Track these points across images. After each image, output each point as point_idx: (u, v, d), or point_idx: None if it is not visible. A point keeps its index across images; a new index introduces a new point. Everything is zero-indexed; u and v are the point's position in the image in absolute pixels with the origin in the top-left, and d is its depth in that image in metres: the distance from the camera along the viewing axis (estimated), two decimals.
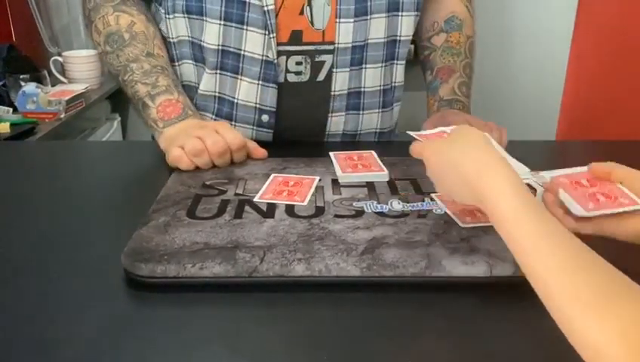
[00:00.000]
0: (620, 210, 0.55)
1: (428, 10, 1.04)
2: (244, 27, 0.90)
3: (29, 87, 1.67)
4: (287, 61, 0.93)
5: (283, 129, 0.97)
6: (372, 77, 0.97)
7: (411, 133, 0.69)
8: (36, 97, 1.65)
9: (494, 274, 0.56)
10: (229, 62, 0.93)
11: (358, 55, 0.94)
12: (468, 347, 0.50)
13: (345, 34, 0.92)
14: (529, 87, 2.00)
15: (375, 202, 0.69)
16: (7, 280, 0.59)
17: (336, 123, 0.98)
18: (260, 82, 0.93)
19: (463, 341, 0.51)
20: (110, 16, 0.93)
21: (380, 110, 1.01)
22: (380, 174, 0.77)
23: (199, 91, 0.96)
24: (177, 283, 0.56)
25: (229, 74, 0.94)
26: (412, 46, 1.04)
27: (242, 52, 0.91)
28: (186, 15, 0.92)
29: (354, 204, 0.69)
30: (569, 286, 0.41)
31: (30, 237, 0.67)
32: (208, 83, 0.95)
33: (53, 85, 1.86)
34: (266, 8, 0.88)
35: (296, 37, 0.92)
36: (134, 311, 0.56)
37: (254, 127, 0.97)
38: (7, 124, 1.56)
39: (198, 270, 0.56)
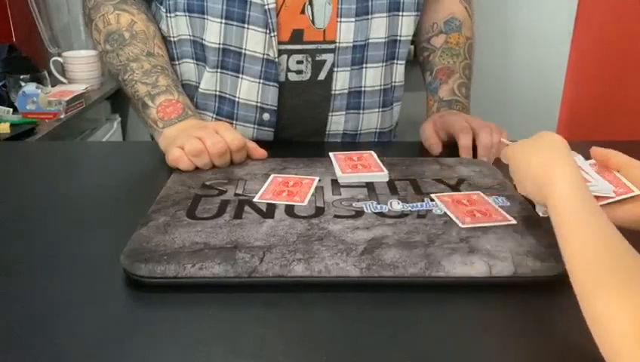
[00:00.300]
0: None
1: (427, 11, 1.04)
2: (245, 26, 0.90)
3: (29, 88, 1.67)
4: (288, 60, 0.93)
5: (284, 128, 0.97)
6: (372, 76, 0.97)
7: (504, 141, 0.74)
8: (36, 98, 1.66)
9: (494, 275, 0.56)
10: (230, 60, 0.93)
11: (359, 54, 0.94)
12: (468, 347, 0.50)
13: (346, 33, 0.92)
14: (529, 87, 2.00)
15: (375, 202, 0.69)
16: (7, 279, 0.59)
17: (337, 122, 0.98)
18: (261, 81, 0.93)
19: (462, 341, 0.51)
20: (110, 15, 0.93)
21: (380, 110, 1.01)
22: (380, 174, 0.77)
23: (200, 90, 0.96)
24: (177, 284, 0.56)
25: (229, 72, 0.94)
26: (412, 46, 1.04)
27: (243, 51, 0.91)
28: (187, 13, 0.92)
29: (353, 204, 0.69)
30: (597, 263, 0.45)
31: (30, 238, 0.67)
32: (209, 82, 0.95)
33: (53, 85, 1.87)
34: (267, 7, 0.88)
35: (297, 36, 0.92)
36: (134, 312, 0.56)
37: (255, 126, 0.97)
38: (7, 125, 1.56)
39: (198, 270, 0.56)
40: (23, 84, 1.70)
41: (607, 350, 0.40)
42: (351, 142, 1.01)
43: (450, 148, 0.91)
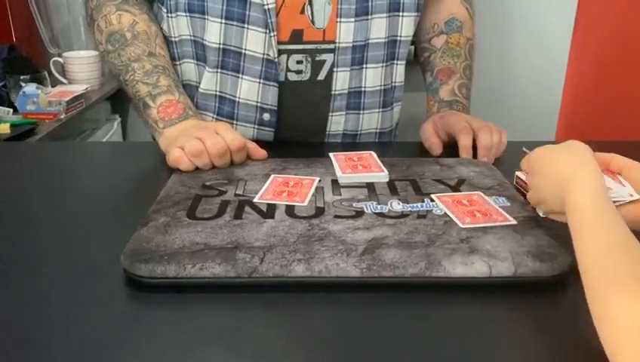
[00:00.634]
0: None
1: (428, 11, 1.04)
2: (245, 26, 0.90)
3: (29, 88, 1.67)
4: (287, 60, 0.93)
5: (284, 128, 0.97)
6: (372, 77, 0.97)
7: (525, 150, 0.73)
8: (36, 98, 1.65)
9: (494, 275, 0.56)
10: (230, 60, 0.93)
11: (359, 55, 0.94)
12: (468, 347, 0.50)
13: (346, 33, 0.92)
14: (529, 87, 2.00)
15: (375, 203, 0.69)
16: (7, 280, 0.59)
17: (337, 122, 0.98)
18: (261, 81, 0.93)
19: (462, 341, 0.51)
20: (112, 15, 0.93)
21: (380, 110, 1.01)
22: (380, 175, 0.77)
23: (200, 90, 0.96)
24: (177, 284, 0.56)
25: (229, 72, 0.94)
26: (412, 47, 1.04)
27: (243, 50, 0.91)
28: (187, 14, 0.92)
29: (354, 204, 0.69)
30: (610, 262, 0.46)
31: (30, 238, 0.67)
32: (209, 82, 0.95)
33: (53, 86, 1.86)
34: (266, 7, 0.88)
35: (296, 36, 0.92)
36: (134, 312, 0.56)
37: (255, 126, 0.97)
38: (8, 125, 1.55)
39: (198, 270, 0.56)
40: (23, 84, 1.69)
41: (612, 346, 0.41)
42: (351, 143, 1.01)
43: (450, 148, 0.91)
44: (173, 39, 0.96)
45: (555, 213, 0.60)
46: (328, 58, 0.93)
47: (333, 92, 0.95)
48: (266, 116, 0.95)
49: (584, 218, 0.51)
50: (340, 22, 0.91)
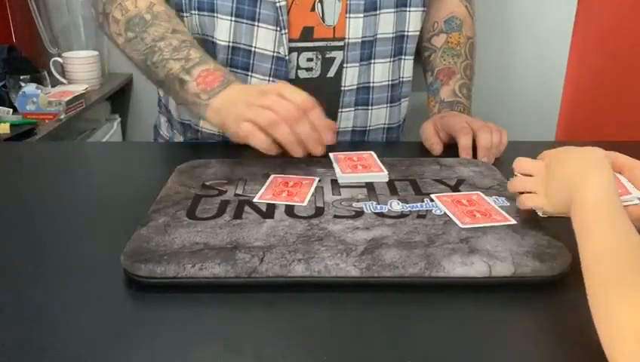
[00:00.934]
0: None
1: (429, 10, 1.04)
2: (255, 23, 0.90)
3: (29, 88, 1.67)
4: (298, 57, 0.93)
5: None
6: (380, 72, 0.98)
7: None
8: (36, 98, 1.65)
9: (493, 275, 0.56)
10: (240, 58, 0.92)
11: (367, 50, 0.95)
12: (468, 347, 0.50)
13: (354, 29, 0.93)
14: (529, 87, 2.00)
15: (374, 203, 0.69)
16: (7, 280, 0.59)
17: (346, 118, 0.99)
18: (271, 79, 0.93)
19: (462, 341, 0.51)
20: (127, 2, 0.89)
21: (388, 105, 1.02)
22: (380, 175, 0.77)
23: None
24: (177, 284, 0.56)
25: (239, 70, 0.93)
26: None
27: (253, 48, 0.91)
28: (197, 12, 0.92)
29: (353, 204, 0.69)
30: (614, 268, 0.45)
31: (30, 238, 0.67)
32: None
33: (53, 86, 1.86)
34: (278, 4, 0.88)
35: (307, 33, 0.92)
36: (134, 312, 0.56)
37: None
38: (7, 125, 1.55)
39: (198, 270, 0.56)
40: (22, 84, 1.69)
41: (611, 347, 0.41)
42: (351, 142, 1.01)
43: (450, 148, 0.91)
44: None
45: (550, 211, 0.60)
46: (338, 55, 0.94)
47: (342, 88, 0.96)
48: None
49: (590, 218, 0.51)
50: (349, 17, 0.92)
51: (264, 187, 0.73)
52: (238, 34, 0.91)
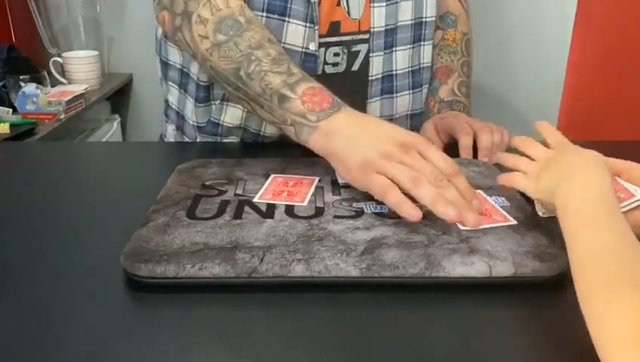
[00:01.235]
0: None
1: None
2: (286, 19, 0.89)
3: (29, 88, 1.67)
4: (325, 53, 0.93)
5: None
6: (402, 59, 0.99)
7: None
8: (36, 98, 1.65)
9: (494, 275, 0.56)
10: None
11: (390, 38, 0.96)
12: (468, 347, 0.50)
13: (379, 18, 0.94)
14: (529, 87, 2.00)
15: (374, 203, 0.69)
16: (6, 280, 0.59)
17: (374, 108, 0.99)
18: None
19: (462, 342, 0.51)
20: (218, 0, 0.80)
21: (411, 91, 1.02)
22: None
23: None
24: (177, 284, 0.56)
25: None
26: None
27: (282, 44, 0.90)
28: None
29: (353, 204, 0.68)
30: (604, 269, 0.45)
31: (29, 238, 0.67)
32: None
33: (52, 86, 1.86)
34: (312, 0, 0.88)
35: (334, 28, 0.92)
36: (133, 312, 0.56)
37: None
38: (7, 125, 1.56)
39: (198, 270, 0.56)
40: (22, 84, 1.69)
41: (605, 351, 0.40)
42: None
43: (451, 148, 0.91)
44: None
45: (533, 195, 0.61)
46: (362, 48, 0.95)
47: (370, 77, 0.96)
48: None
49: (573, 220, 0.51)
50: (373, 7, 0.93)
51: (264, 187, 0.73)
52: (268, 29, 0.90)
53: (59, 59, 1.97)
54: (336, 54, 0.94)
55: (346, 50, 0.94)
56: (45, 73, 1.83)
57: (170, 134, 1.08)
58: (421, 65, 1.03)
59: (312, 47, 0.91)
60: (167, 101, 1.06)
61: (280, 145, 0.96)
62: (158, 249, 0.58)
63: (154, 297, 0.56)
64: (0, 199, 0.79)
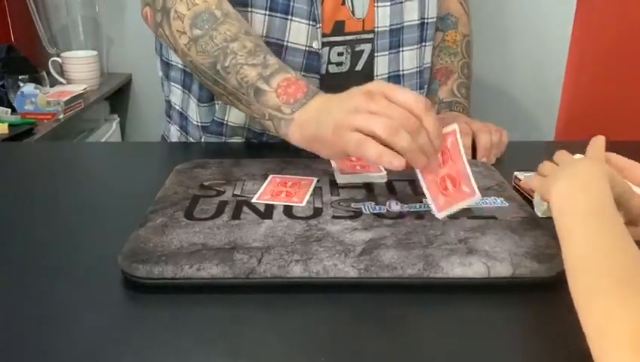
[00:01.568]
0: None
1: None
2: (289, 17, 0.89)
3: (28, 88, 1.67)
4: (329, 52, 0.93)
5: None
6: (409, 59, 0.99)
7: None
8: (35, 98, 1.65)
9: (492, 276, 0.56)
10: None
11: (396, 38, 0.96)
12: (466, 348, 0.50)
13: (383, 17, 0.94)
14: (529, 87, 2.00)
15: (373, 203, 0.69)
16: (5, 280, 0.59)
17: None
18: (302, 73, 0.92)
19: (461, 342, 0.50)
20: None
21: (418, 91, 1.02)
22: (378, 175, 0.77)
23: None
24: (175, 285, 0.56)
25: None
26: None
27: (285, 43, 0.90)
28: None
29: (352, 205, 0.68)
30: (601, 268, 0.44)
31: (28, 238, 0.67)
32: None
33: (51, 86, 1.86)
34: None
35: (338, 27, 0.92)
36: (131, 312, 0.56)
37: None
38: (6, 125, 1.55)
39: (196, 271, 0.56)
40: (21, 84, 1.69)
41: (601, 355, 0.40)
42: None
43: None
44: None
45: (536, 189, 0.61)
46: (366, 48, 0.95)
47: (375, 77, 0.96)
48: None
49: (568, 220, 0.51)
50: (378, 6, 0.93)
51: (262, 187, 0.73)
52: (271, 28, 0.89)
53: (58, 59, 1.96)
54: (340, 54, 0.94)
55: (349, 50, 0.94)
56: (44, 73, 1.83)
57: (174, 134, 1.08)
58: (425, 66, 1.03)
59: (315, 45, 0.90)
60: (169, 101, 1.06)
61: (280, 145, 0.95)
62: (156, 249, 0.58)
63: (152, 298, 0.56)
64: None
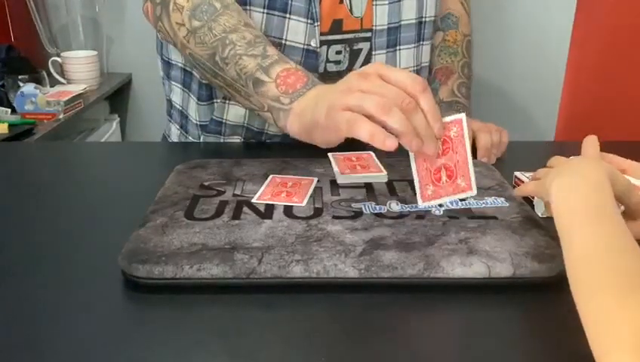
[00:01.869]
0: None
1: None
2: (287, 15, 0.89)
3: (28, 88, 1.67)
4: (327, 51, 0.93)
5: None
6: (406, 58, 0.99)
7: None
8: (35, 98, 1.65)
9: (493, 276, 0.56)
10: None
11: (393, 37, 0.96)
12: (467, 348, 0.50)
13: (381, 16, 0.93)
14: (528, 87, 2.00)
15: (373, 203, 0.68)
16: (5, 280, 0.59)
17: None
18: None
19: (461, 342, 0.50)
20: None
21: None
22: (379, 175, 0.77)
23: None
24: (175, 285, 0.56)
25: None
26: None
27: (283, 41, 0.90)
28: None
29: (352, 205, 0.68)
30: (602, 267, 0.44)
31: (28, 238, 0.67)
32: None
33: (51, 86, 1.86)
34: None
35: (336, 26, 0.92)
36: (131, 313, 0.55)
37: None
38: (6, 125, 1.55)
39: (196, 271, 0.56)
40: (21, 84, 1.69)
41: (602, 355, 0.40)
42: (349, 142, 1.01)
43: None
44: None
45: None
46: (364, 47, 0.94)
47: None
48: None
49: (567, 219, 0.51)
50: (376, 5, 0.93)
51: (263, 187, 0.73)
52: (270, 26, 0.89)
53: (58, 59, 1.96)
54: (338, 52, 0.94)
55: (348, 49, 0.94)
56: (44, 73, 1.83)
57: (174, 134, 1.08)
58: (422, 65, 1.03)
59: (314, 43, 0.90)
60: (170, 101, 1.06)
61: (279, 145, 0.95)
62: (156, 249, 0.58)
63: (152, 298, 0.56)
64: None
